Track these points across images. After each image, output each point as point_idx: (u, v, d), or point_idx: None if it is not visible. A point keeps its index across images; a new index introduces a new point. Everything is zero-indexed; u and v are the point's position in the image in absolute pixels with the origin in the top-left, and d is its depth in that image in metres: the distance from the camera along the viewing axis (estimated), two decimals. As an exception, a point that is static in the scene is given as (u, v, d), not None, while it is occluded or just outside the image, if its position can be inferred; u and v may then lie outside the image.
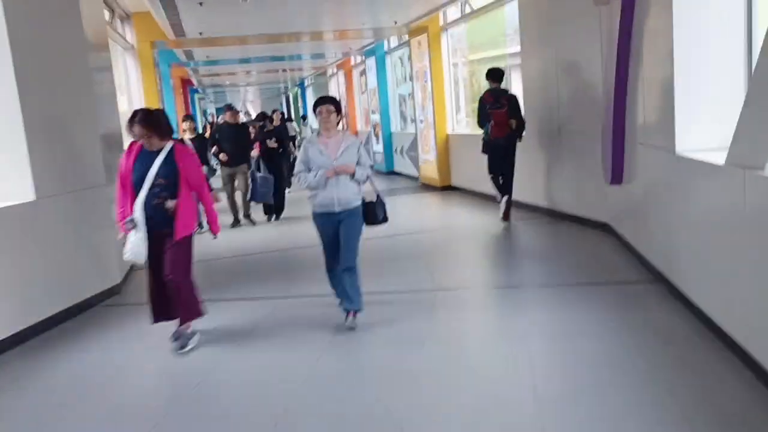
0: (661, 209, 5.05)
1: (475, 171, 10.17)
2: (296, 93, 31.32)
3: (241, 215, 9.36)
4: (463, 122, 11.51)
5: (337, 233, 4.64)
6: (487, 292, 5.62)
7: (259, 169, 9.00)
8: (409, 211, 10.20)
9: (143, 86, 10.22)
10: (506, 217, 7.88)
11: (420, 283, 5.73)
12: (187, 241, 4.47)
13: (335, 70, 20.53)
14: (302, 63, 20.44)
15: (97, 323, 5.30)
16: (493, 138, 7.64)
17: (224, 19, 9.46)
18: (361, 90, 17.71)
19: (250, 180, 8.98)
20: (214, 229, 4.69)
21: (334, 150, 4.57)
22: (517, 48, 8.93)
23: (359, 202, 4.69)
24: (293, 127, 25.19)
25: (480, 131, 8.03)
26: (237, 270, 6.99)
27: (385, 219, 4.83)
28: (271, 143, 9.32)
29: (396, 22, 11.04)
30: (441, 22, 11.36)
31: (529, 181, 8.55)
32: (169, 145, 4.40)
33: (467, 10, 10.56)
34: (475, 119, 8.07)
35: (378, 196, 4.80)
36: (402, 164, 14.59)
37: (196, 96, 29.78)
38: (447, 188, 11.49)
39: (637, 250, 5.80)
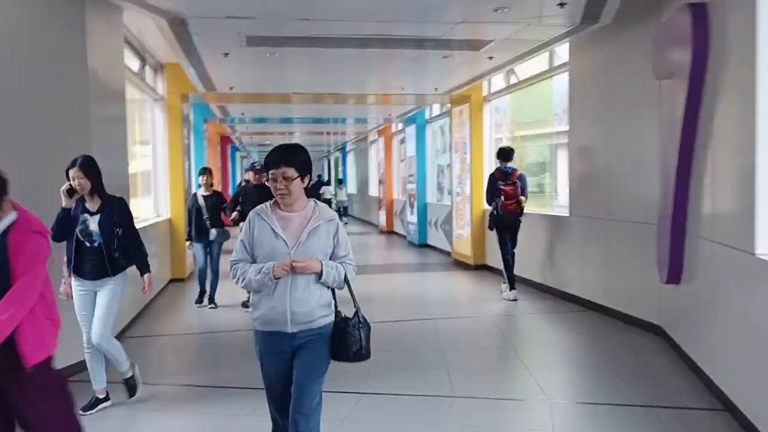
0: (731, 320, 4.16)
1: (517, 252, 9.38)
2: (337, 157, 31.20)
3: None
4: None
5: (291, 369, 2.98)
6: (517, 407, 4.70)
7: None
8: (436, 291, 9.41)
9: (168, 139, 9.84)
10: (513, 286, 8.09)
11: (436, 386, 4.86)
12: (47, 371, 2.80)
13: (376, 137, 20.20)
14: (344, 127, 20.26)
15: None
16: (503, 213, 7.98)
17: (254, 74, 9.08)
18: (400, 158, 17.24)
19: None
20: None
21: (296, 231, 2.94)
22: (565, 126, 8.24)
23: (329, 320, 3.01)
24: (329, 190, 24.97)
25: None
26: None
27: (362, 354, 3.03)
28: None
29: (436, 89, 10.52)
30: (484, 92, 10.81)
31: (574, 271, 7.70)
32: (8, 218, 2.75)
33: (513, 80, 9.98)
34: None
35: (357, 313, 3.04)
36: (435, 237, 13.84)
37: (238, 154, 29.93)
38: (480, 267, 10.65)
39: (696, 364, 4.87)
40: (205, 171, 7.98)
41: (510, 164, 8.08)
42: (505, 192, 7.93)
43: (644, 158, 6.23)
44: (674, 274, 5.31)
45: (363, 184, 24.44)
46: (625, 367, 5.25)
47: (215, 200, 7.82)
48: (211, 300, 7.84)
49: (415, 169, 14.77)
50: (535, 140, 9.95)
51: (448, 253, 12.34)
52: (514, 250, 8.12)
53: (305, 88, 10.60)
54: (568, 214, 7.87)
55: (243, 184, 10.75)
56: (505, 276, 8.16)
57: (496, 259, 10.27)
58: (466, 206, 11.04)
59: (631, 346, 5.91)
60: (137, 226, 4.68)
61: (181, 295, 8.80)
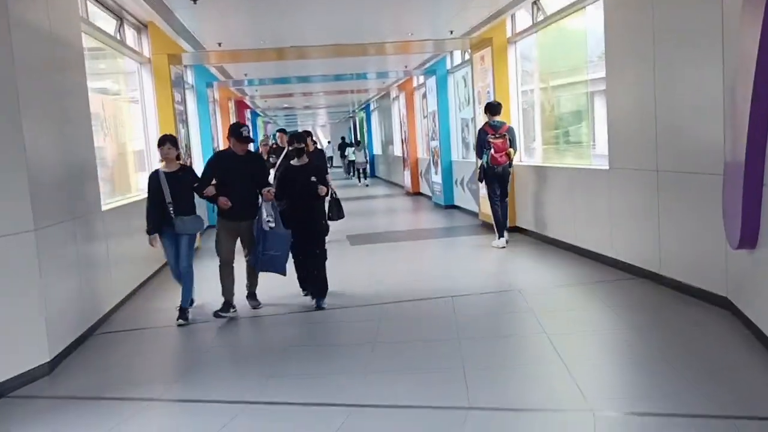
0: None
1: (549, 211, 8.30)
2: (362, 118, 30.04)
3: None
4: (537, 150, 9.59)
5: None
6: (550, 421, 3.64)
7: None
8: (458, 261, 8.36)
9: (157, 105, 8.91)
10: (502, 234, 8.43)
11: (448, 393, 3.88)
12: None
13: (397, 93, 18.98)
14: (365, 83, 18.99)
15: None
16: (493, 165, 8.23)
17: (240, 27, 8.03)
18: (423, 114, 16.06)
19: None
20: None
21: None
22: (602, 72, 7.00)
23: None
24: (352, 152, 24.11)
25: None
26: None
27: None
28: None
29: (452, 32, 9.31)
30: (508, 33, 9.56)
31: (619, 232, 6.58)
32: None
33: (539, 17, 8.71)
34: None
35: None
36: (462, 198, 12.76)
37: (259, 119, 29.00)
38: (512, 230, 9.56)
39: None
40: (166, 140, 5.74)
41: (497, 118, 8.34)
42: (495, 145, 8.22)
43: (703, 99, 5.05)
44: (749, 236, 4.19)
45: (387, 143, 23.32)
46: (687, 357, 4.17)
47: (183, 178, 5.71)
48: (183, 313, 5.72)
49: (438, 124, 13.63)
50: (568, 89, 8.72)
51: (475, 214, 11.28)
52: (506, 200, 8.51)
53: (304, 40, 9.50)
54: (607, 167, 6.72)
55: (274, 145, 10.13)
56: (495, 226, 8.51)
57: (527, 220, 9.20)
58: (493, 163, 9.90)
59: (693, 324, 4.82)
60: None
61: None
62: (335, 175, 26.29)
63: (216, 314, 5.73)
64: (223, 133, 15.82)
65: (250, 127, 5.82)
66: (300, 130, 15.12)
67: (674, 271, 5.65)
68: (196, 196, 5.75)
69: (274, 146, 10.38)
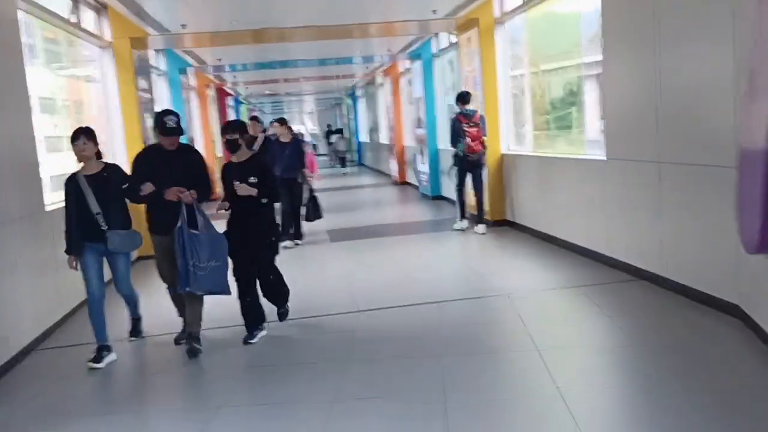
0: None
1: (542, 203, 7.77)
2: (349, 105, 29.38)
3: None
4: (528, 137, 9.03)
5: None
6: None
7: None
8: (445, 258, 7.82)
9: (120, 94, 8.26)
10: (464, 215, 8.89)
11: (424, 429, 3.35)
12: None
13: (383, 79, 18.34)
14: (348, 68, 18.19)
15: None
16: (470, 154, 8.35)
17: (205, 7, 7.38)
18: (409, 100, 15.45)
19: None
20: None
21: None
22: (596, 56, 6.46)
23: None
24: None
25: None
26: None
27: None
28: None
29: (435, 12, 8.71)
30: (495, 13, 8.96)
31: (617, 229, 6.05)
32: None
33: (529, -5, 8.11)
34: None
35: None
36: (449, 189, 12.17)
37: (243, 107, 28.27)
38: (501, 223, 9.04)
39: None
40: (80, 133, 4.47)
41: (469, 106, 8.43)
42: (470, 134, 8.32)
43: (711, 80, 4.50)
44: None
45: (374, 131, 22.71)
46: (697, 378, 3.65)
47: (110, 180, 4.56)
48: (135, 330, 5.10)
49: (424, 111, 13.03)
50: (560, 74, 8.15)
51: (463, 207, 10.74)
52: (482, 188, 8.66)
53: (279, 21, 8.86)
54: (604, 158, 6.18)
55: (270, 136, 8.81)
56: (459, 208, 8.94)
57: (518, 213, 8.67)
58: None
59: (702, 337, 4.30)
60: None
61: (144, 279, 7.38)
62: (321, 164, 25.73)
63: (178, 342, 4.83)
64: (200, 122, 15.19)
65: (180, 116, 4.57)
66: (286, 116, 14.48)
67: (678, 273, 5.12)
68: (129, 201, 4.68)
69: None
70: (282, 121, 8.84)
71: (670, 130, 5.07)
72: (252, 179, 4.72)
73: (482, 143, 8.37)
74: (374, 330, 5.04)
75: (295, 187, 8.48)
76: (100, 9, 8.23)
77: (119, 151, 8.36)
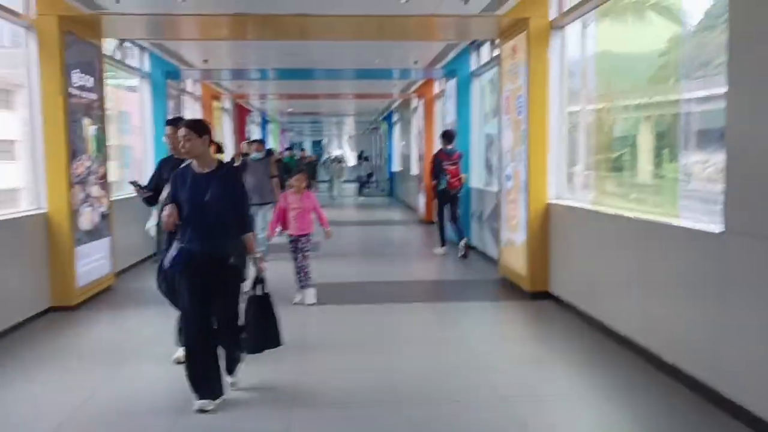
0: None
1: (599, 275, 5.40)
2: (385, 129, 27.28)
3: None
4: (580, 183, 6.68)
5: None
6: None
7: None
8: (463, 348, 5.25)
9: (42, 87, 6.22)
10: (466, 255, 9.20)
11: None
12: None
13: (418, 101, 16.09)
14: (381, 84, 15.66)
15: None
16: (451, 189, 9.16)
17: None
18: (443, 126, 13.17)
19: None
20: None
21: None
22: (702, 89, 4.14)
23: None
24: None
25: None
26: None
27: None
28: None
29: (466, 2, 6.42)
30: (552, 14, 6.67)
31: (740, 346, 3.64)
32: None
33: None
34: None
35: None
36: (480, 237, 9.84)
37: (269, 126, 26.45)
38: (541, 296, 6.64)
39: None
40: None
41: (450, 146, 9.15)
42: (451, 171, 9.09)
43: None
44: None
45: (406, 159, 20.42)
46: None
47: None
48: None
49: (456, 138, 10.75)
50: (642, 110, 5.79)
51: (494, 262, 8.37)
52: (459, 222, 9.35)
53: (277, 6, 6.65)
54: (722, 229, 3.77)
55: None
56: (439, 236, 9.77)
57: (567, 289, 6.27)
58: (520, 198, 7.00)
59: None
60: None
61: (63, 338, 5.33)
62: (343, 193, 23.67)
63: None
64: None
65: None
66: (324, 140, 12.45)
67: None
68: None
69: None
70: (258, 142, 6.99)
71: None
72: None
73: (460, 180, 9.23)
74: None
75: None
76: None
77: (37, 162, 6.35)
